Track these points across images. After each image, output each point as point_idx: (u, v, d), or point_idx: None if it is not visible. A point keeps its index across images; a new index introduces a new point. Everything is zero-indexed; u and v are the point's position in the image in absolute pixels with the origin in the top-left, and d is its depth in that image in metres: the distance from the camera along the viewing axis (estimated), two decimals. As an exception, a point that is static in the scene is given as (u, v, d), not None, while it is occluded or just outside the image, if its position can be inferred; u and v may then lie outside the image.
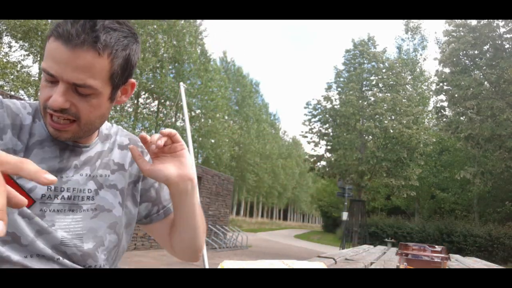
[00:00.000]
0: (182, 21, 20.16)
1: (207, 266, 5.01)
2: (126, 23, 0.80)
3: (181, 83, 6.30)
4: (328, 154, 18.46)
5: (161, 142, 0.81)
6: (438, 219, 21.48)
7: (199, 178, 12.05)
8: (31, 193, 0.78)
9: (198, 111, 22.50)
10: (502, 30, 14.07)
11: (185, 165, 0.86)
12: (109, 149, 0.93)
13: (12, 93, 7.15)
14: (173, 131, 0.84)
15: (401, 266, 1.48)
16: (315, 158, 18.73)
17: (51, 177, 0.46)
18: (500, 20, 13.63)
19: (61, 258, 0.80)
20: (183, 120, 22.31)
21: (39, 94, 0.82)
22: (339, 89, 19.07)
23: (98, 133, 0.92)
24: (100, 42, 0.73)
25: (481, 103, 14.21)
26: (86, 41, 0.72)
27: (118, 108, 18.25)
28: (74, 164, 0.85)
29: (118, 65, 0.77)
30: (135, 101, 19.83)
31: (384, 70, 18.49)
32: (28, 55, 14.53)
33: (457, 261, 2.94)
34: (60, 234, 0.80)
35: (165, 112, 21.43)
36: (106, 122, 0.94)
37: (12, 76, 12.50)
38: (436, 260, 1.41)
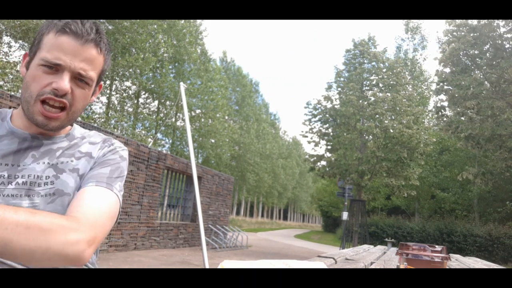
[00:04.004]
0: (182, 21, 20.14)
1: (207, 266, 5.02)
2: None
3: (181, 83, 6.32)
4: (328, 154, 18.42)
5: None
6: (438, 219, 21.47)
7: (199, 178, 12.04)
8: None
9: (198, 111, 22.48)
10: (502, 30, 14.06)
11: None
12: (77, 144, 0.98)
13: (12, 93, 7.14)
14: None
15: (401, 266, 1.48)
16: (315, 158, 18.69)
17: None
18: (500, 20, 13.61)
19: None
20: (183, 120, 22.34)
21: (28, 84, 0.87)
22: (339, 89, 19.02)
23: (68, 132, 0.99)
24: (103, 42, 0.90)
25: (482, 103, 14.19)
26: (94, 39, 0.88)
27: (118, 108, 18.23)
28: (32, 154, 0.91)
29: (106, 65, 0.94)
30: (135, 101, 19.81)
31: (384, 70, 18.46)
32: (28, 55, 14.45)
33: (457, 261, 2.94)
34: None
35: (165, 112, 21.41)
36: (82, 128, 1.04)
37: (12, 76, 12.47)
38: (436, 260, 1.41)
